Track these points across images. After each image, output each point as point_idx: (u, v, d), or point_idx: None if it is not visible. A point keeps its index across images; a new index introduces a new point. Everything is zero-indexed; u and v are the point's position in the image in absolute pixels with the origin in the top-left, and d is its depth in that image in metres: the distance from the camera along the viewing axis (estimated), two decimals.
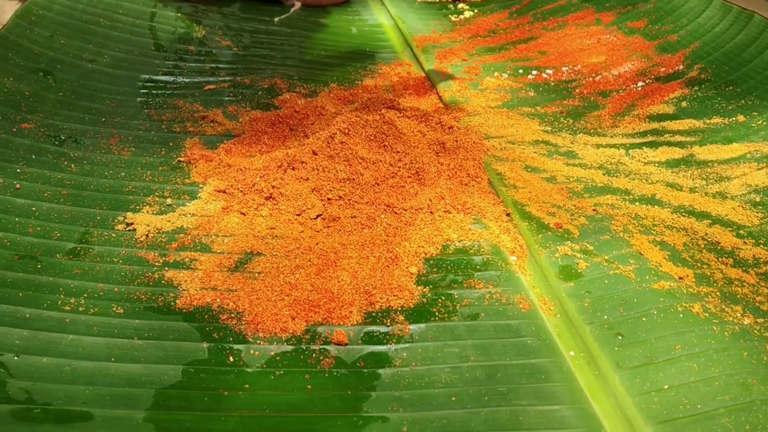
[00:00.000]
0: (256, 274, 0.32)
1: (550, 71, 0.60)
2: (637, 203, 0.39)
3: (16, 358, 0.26)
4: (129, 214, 0.35)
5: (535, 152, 0.45)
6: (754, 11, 0.57)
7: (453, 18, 0.76)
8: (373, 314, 0.30)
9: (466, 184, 0.39)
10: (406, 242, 0.34)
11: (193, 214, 0.35)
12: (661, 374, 0.27)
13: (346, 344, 0.28)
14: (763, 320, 0.30)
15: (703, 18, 0.61)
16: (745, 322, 0.30)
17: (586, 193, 0.40)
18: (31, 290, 0.29)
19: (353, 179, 0.37)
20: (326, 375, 0.27)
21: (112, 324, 0.28)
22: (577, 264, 0.34)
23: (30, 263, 0.31)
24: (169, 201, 0.36)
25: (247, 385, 0.26)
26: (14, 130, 0.39)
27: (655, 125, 0.49)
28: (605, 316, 0.31)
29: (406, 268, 0.33)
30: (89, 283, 0.30)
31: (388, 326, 0.30)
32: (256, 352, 0.28)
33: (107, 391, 0.25)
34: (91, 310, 0.29)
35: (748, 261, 0.34)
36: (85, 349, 0.27)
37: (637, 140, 0.47)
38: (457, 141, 0.43)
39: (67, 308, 0.28)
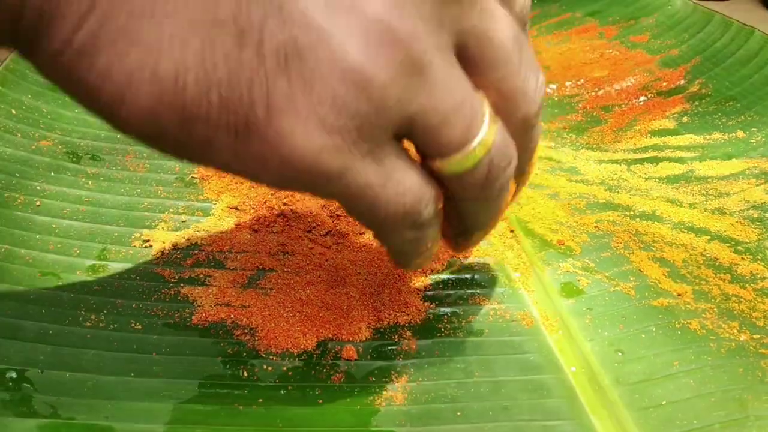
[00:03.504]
0: (268, 290, 0.33)
1: (553, 86, 0.61)
2: (638, 219, 0.40)
3: (40, 373, 0.27)
4: (145, 231, 0.36)
5: (538, 169, 0.46)
6: (755, 27, 0.58)
7: None
8: (382, 330, 0.31)
9: None
10: None
11: (207, 230, 0.36)
12: (659, 390, 0.28)
13: (356, 359, 0.30)
14: (759, 336, 0.31)
15: (704, 33, 0.62)
16: (742, 339, 0.31)
17: (588, 209, 0.41)
18: (54, 306, 0.30)
19: None
20: (336, 390, 0.28)
21: (131, 339, 0.29)
22: (579, 281, 0.35)
23: (52, 280, 0.32)
24: (183, 218, 0.37)
25: (260, 400, 0.27)
26: (33, 147, 0.41)
27: (656, 140, 0.50)
28: (606, 333, 0.32)
29: (413, 284, 0.34)
30: (108, 299, 0.31)
31: (396, 342, 0.31)
32: (269, 368, 0.29)
33: (128, 405, 0.26)
34: (111, 326, 0.30)
35: (746, 277, 0.35)
36: (105, 364, 0.28)
37: (639, 156, 0.48)
38: None
39: (88, 324, 0.30)
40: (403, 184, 0.20)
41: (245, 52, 0.17)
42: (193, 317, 0.31)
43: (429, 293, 0.34)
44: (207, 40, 0.16)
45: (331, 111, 0.17)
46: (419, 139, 0.20)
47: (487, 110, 0.20)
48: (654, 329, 0.31)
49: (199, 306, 0.32)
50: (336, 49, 0.17)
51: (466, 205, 0.23)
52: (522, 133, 0.22)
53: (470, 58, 0.20)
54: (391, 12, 0.17)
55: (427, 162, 0.21)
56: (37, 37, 0.17)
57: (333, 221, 0.37)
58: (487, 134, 0.20)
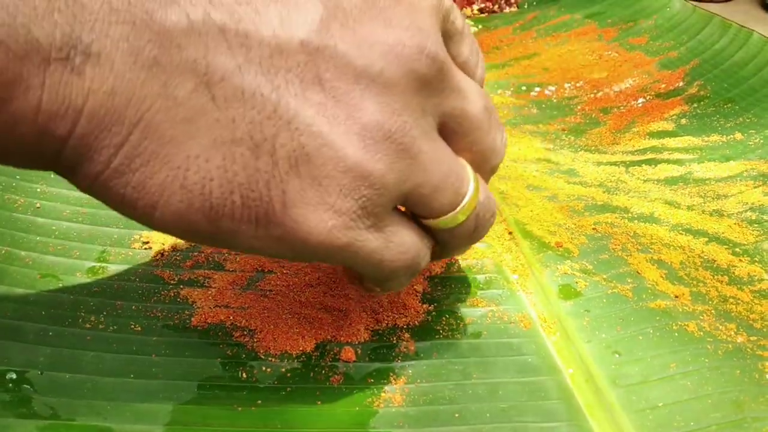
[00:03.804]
0: (267, 292, 0.33)
1: (552, 88, 0.62)
2: (636, 221, 0.40)
3: (40, 374, 0.27)
4: (145, 233, 0.36)
5: (537, 171, 0.46)
6: (753, 29, 0.58)
7: None
8: (380, 332, 0.31)
9: None
10: None
11: None
12: (656, 392, 0.29)
13: (354, 361, 0.30)
14: (756, 338, 0.31)
15: (703, 35, 0.62)
16: (739, 340, 0.31)
17: (586, 211, 0.41)
18: (54, 308, 0.30)
19: None
20: (335, 391, 0.28)
21: (131, 341, 0.29)
22: (577, 283, 0.35)
23: (52, 281, 0.32)
24: None
25: (259, 401, 0.27)
26: None
27: (654, 142, 0.50)
28: (603, 335, 0.32)
29: (412, 286, 0.34)
30: (108, 301, 0.31)
31: (394, 343, 0.31)
32: (268, 369, 0.29)
33: (127, 406, 0.26)
34: (111, 328, 0.30)
35: (743, 279, 0.35)
36: (105, 366, 0.28)
37: (637, 158, 0.48)
38: None
39: (88, 326, 0.30)
40: (403, 244, 0.23)
41: (261, 160, 0.19)
42: (192, 319, 0.31)
43: (427, 295, 0.34)
44: (228, 154, 0.19)
45: (338, 198, 0.20)
46: (414, 207, 0.23)
47: (470, 173, 0.23)
48: (651, 331, 0.32)
49: (199, 308, 0.32)
50: (338, 151, 0.20)
51: (452, 247, 0.26)
52: (489, 177, 0.26)
53: (451, 131, 0.23)
54: (383, 113, 0.20)
55: (420, 220, 0.24)
56: (78, 164, 0.19)
57: None
58: (473, 194, 0.23)
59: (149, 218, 0.20)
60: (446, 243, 0.26)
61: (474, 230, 0.24)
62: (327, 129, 0.20)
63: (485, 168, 0.25)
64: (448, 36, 0.24)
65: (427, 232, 0.24)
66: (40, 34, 0.17)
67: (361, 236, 0.21)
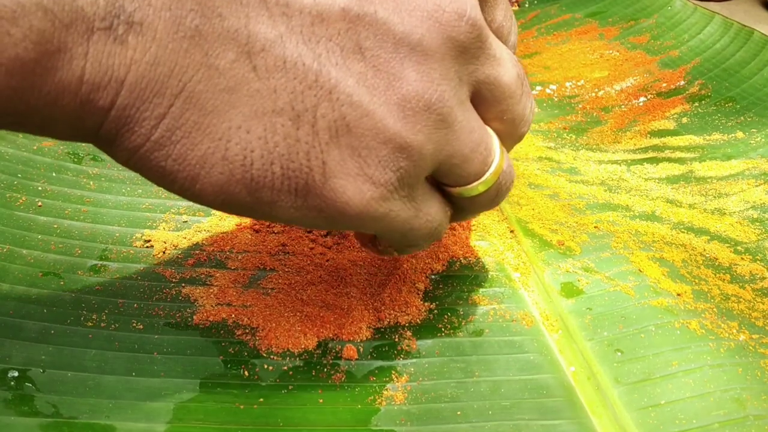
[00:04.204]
0: (269, 290, 0.33)
1: (553, 87, 0.61)
2: (638, 220, 0.40)
3: (42, 372, 0.27)
4: (146, 231, 0.36)
5: (538, 169, 0.46)
6: (754, 28, 0.58)
7: None
8: (382, 330, 0.31)
9: None
10: (413, 259, 0.35)
11: (208, 230, 0.37)
12: (658, 390, 0.29)
13: (356, 359, 0.30)
14: (758, 336, 0.31)
15: (704, 34, 0.62)
16: (741, 338, 0.31)
17: (587, 209, 0.41)
18: (56, 306, 0.30)
19: None
20: (337, 389, 0.28)
21: (133, 339, 0.29)
22: (579, 281, 0.35)
23: (53, 280, 0.32)
24: (184, 218, 0.38)
25: (261, 399, 0.27)
26: (35, 148, 0.41)
27: (656, 141, 0.50)
28: (605, 333, 0.32)
29: (414, 284, 0.34)
30: (110, 299, 0.31)
31: (396, 341, 0.31)
32: (270, 367, 0.29)
33: (129, 404, 0.26)
34: (113, 326, 0.30)
35: (745, 277, 0.35)
36: (107, 364, 0.28)
37: (639, 156, 0.48)
38: None
39: (90, 324, 0.30)
40: (430, 213, 0.23)
41: (302, 130, 0.19)
42: (194, 317, 0.31)
43: (429, 293, 0.34)
44: (269, 125, 0.19)
45: (377, 169, 0.20)
46: (443, 176, 0.23)
47: (496, 143, 0.24)
48: (653, 329, 0.32)
49: (201, 306, 0.32)
50: (378, 122, 0.20)
51: (469, 213, 0.26)
52: (513, 146, 0.26)
53: (482, 99, 0.23)
54: (423, 83, 0.20)
55: (444, 188, 0.24)
56: (118, 136, 0.19)
57: None
58: (498, 164, 0.23)
59: (189, 191, 0.20)
60: (464, 209, 0.25)
61: (494, 198, 0.25)
62: (367, 99, 0.20)
63: (513, 137, 0.25)
64: (483, 0, 0.24)
65: (448, 198, 0.25)
66: (85, 2, 0.17)
67: (396, 206, 0.22)
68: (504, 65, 0.23)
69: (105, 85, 0.18)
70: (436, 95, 0.20)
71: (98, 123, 0.19)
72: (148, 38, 0.18)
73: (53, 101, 0.18)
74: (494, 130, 0.24)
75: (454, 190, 0.24)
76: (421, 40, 0.20)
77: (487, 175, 0.23)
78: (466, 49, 0.21)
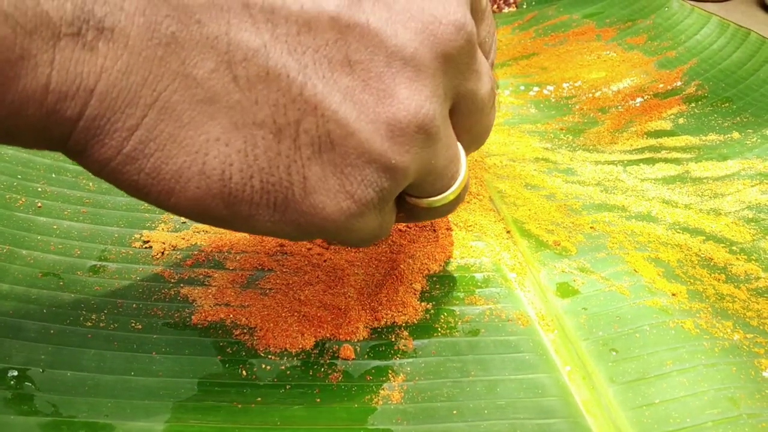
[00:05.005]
0: (267, 291, 0.33)
1: (551, 87, 0.62)
2: (633, 220, 0.40)
3: (42, 372, 0.27)
4: (145, 232, 0.36)
5: (535, 170, 0.46)
6: (751, 29, 0.59)
7: None
8: (379, 330, 0.32)
9: (467, 202, 0.41)
10: (410, 259, 0.35)
11: (206, 231, 0.37)
12: (653, 389, 0.29)
13: (353, 359, 0.30)
14: (752, 336, 0.32)
15: (701, 35, 0.62)
16: (735, 338, 0.31)
17: (583, 210, 0.41)
18: (55, 306, 0.30)
19: None
20: (334, 389, 0.29)
21: (132, 339, 0.30)
22: (574, 281, 0.35)
23: (53, 280, 0.32)
24: (183, 219, 0.38)
25: (259, 399, 0.28)
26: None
27: (652, 142, 0.50)
28: (600, 332, 0.32)
29: (410, 284, 0.34)
30: (109, 299, 0.32)
31: (393, 341, 0.31)
32: (268, 367, 0.29)
33: (128, 403, 0.27)
34: (112, 326, 0.30)
35: (740, 277, 0.36)
36: (106, 364, 0.28)
37: (635, 157, 0.49)
38: None
39: (89, 324, 0.30)
40: (390, 221, 0.24)
41: (283, 144, 0.19)
42: (192, 317, 0.31)
43: (426, 293, 0.34)
44: (249, 138, 0.18)
45: (359, 188, 0.20)
46: (414, 188, 0.23)
47: (463, 154, 0.24)
48: (648, 329, 0.32)
49: (199, 306, 0.32)
50: (364, 141, 0.19)
51: (422, 219, 0.27)
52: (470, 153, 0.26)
53: (458, 111, 0.23)
54: (413, 101, 0.19)
55: (403, 196, 0.24)
56: (88, 147, 0.18)
57: None
58: (464, 176, 0.24)
59: (163, 204, 0.19)
60: (418, 215, 0.25)
61: (455, 207, 0.25)
62: (354, 116, 0.19)
63: (474, 147, 0.25)
64: (473, 14, 0.23)
65: (402, 203, 0.25)
66: (50, 6, 0.16)
67: (369, 219, 0.22)
68: (482, 79, 0.22)
69: (73, 94, 0.17)
70: (427, 116, 0.20)
71: (66, 134, 0.18)
72: (120, 45, 0.17)
73: (17, 111, 0.17)
74: (460, 140, 0.24)
75: (422, 201, 0.24)
76: (415, 55, 0.19)
77: (455, 186, 0.23)
78: (457, 64, 0.20)
